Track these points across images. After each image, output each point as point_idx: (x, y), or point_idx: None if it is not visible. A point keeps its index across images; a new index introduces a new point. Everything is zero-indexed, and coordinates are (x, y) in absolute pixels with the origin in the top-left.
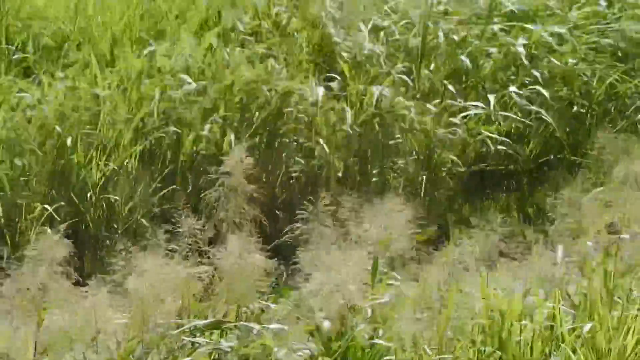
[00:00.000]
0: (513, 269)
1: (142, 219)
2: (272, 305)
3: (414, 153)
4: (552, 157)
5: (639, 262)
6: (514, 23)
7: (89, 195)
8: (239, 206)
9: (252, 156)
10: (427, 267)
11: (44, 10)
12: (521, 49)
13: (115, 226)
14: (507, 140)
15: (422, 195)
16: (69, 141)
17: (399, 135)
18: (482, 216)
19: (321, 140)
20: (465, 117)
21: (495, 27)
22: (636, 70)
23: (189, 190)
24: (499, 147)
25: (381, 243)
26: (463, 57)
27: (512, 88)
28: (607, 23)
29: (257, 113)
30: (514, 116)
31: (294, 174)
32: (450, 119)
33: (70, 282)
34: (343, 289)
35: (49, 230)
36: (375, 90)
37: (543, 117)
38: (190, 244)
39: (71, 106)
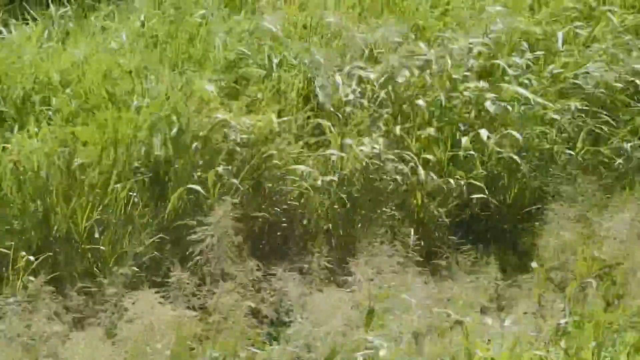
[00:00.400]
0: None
1: (129, 268)
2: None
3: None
4: (537, 206)
5: None
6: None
7: (73, 244)
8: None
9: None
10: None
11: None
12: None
13: (102, 275)
14: (482, 187)
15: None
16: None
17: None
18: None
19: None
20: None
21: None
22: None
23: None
24: (477, 195)
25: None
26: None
27: (483, 130)
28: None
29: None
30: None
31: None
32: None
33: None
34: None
35: (34, 280)
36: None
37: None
38: (179, 291)
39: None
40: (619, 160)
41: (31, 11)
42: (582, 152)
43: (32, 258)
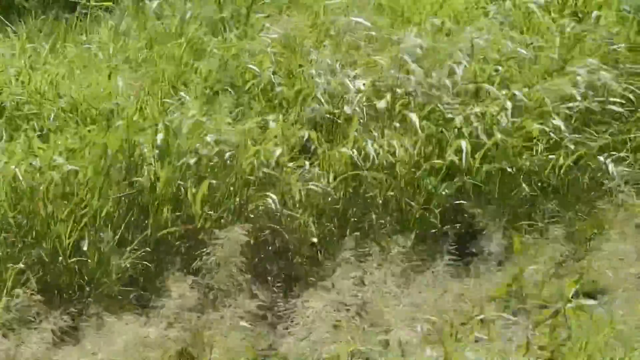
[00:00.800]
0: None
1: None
2: None
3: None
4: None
5: None
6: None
7: (59, 259)
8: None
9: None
10: None
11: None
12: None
13: (88, 290)
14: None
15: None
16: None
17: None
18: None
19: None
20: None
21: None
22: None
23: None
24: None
25: None
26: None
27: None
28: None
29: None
30: None
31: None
32: None
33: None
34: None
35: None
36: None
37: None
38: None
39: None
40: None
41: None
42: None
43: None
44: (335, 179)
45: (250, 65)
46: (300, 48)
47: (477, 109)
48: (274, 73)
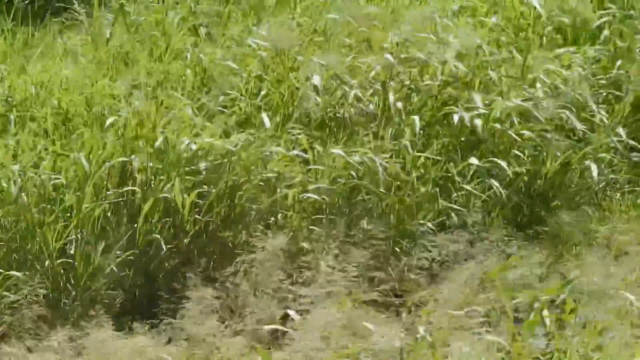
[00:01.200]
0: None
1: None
2: None
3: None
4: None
5: None
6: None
7: (46, 262)
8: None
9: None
10: None
11: None
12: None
13: (74, 294)
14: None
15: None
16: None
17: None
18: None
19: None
20: None
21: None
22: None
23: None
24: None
25: None
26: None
27: (474, 160)
28: None
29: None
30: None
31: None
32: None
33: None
34: None
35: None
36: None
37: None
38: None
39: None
40: None
41: None
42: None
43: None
44: (332, 182)
45: (236, 68)
46: (287, 51)
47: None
48: (261, 78)
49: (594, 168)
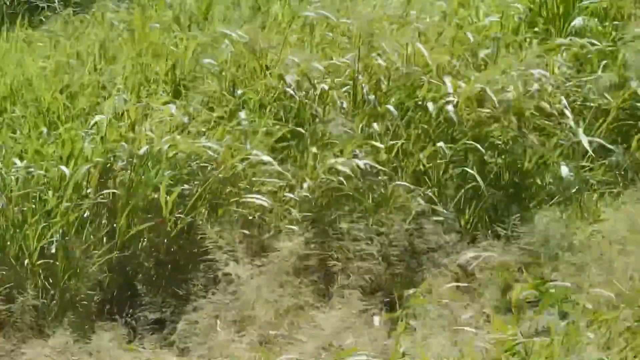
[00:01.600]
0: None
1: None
2: None
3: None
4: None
5: None
6: None
7: (25, 262)
8: None
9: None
10: None
11: None
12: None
13: (53, 294)
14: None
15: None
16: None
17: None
18: None
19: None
20: None
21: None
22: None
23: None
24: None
25: None
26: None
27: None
28: None
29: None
30: None
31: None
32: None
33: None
34: None
35: None
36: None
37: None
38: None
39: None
40: None
41: None
42: None
43: None
44: (310, 184)
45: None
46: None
47: None
48: (236, 77)
49: (564, 168)
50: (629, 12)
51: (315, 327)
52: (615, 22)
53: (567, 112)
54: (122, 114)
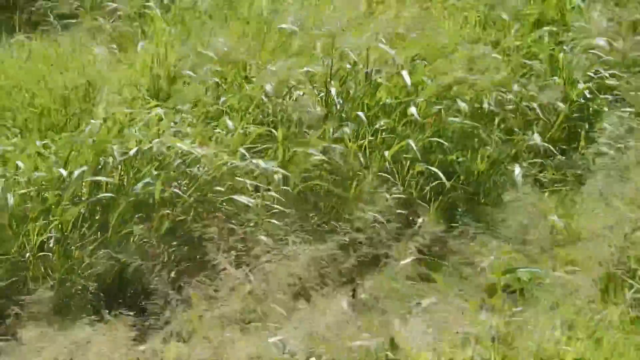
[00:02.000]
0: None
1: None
2: None
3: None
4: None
5: None
6: None
7: (27, 255)
8: None
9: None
10: None
11: None
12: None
13: (52, 286)
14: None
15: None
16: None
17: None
18: None
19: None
20: None
21: None
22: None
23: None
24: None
25: None
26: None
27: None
28: None
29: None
30: None
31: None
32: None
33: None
34: None
35: None
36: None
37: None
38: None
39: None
40: None
41: None
42: None
43: None
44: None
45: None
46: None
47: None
48: (217, 85)
49: (517, 168)
50: None
51: None
52: None
53: None
54: (111, 118)
